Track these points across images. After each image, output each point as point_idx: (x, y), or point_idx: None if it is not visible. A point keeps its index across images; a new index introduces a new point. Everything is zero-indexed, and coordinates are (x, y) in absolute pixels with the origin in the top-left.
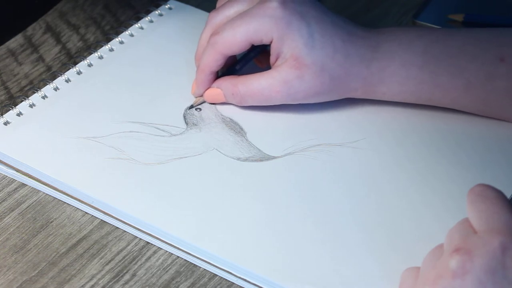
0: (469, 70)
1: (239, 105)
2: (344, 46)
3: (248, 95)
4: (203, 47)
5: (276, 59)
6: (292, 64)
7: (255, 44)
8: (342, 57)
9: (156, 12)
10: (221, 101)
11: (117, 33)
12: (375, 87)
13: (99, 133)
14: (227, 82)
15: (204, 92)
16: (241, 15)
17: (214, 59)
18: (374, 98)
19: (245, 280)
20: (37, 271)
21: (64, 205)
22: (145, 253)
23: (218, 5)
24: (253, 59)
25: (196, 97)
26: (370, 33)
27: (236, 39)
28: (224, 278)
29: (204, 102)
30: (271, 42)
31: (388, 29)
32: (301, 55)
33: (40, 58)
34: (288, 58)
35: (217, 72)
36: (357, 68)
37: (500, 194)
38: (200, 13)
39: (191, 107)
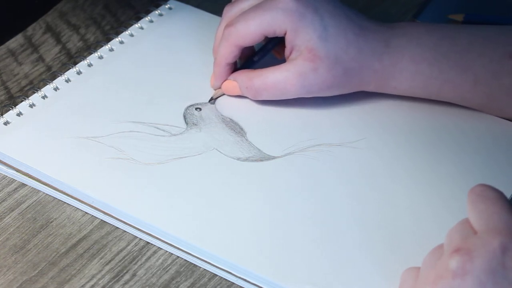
0: (477, 67)
1: (254, 99)
2: (357, 39)
3: (262, 88)
4: (219, 40)
5: (291, 52)
6: (307, 57)
7: (269, 36)
8: (355, 51)
9: (156, 12)
10: (237, 94)
11: (117, 33)
12: (386, 81)
13: (99, 133)
14: (243, 76)
15: (222, 84)
16: (255, 8)
17: (229, 51)
18: (385, 92)
19: (245, 280)
20: (37, 271)
21: (64, 205)
22: (145, 253)
23: None
24: (271, 50)
25: (214, 90)
26: (381, 27)
27: (249, 30)
28: (224, 278)
29: (223, 94)
30: (284, 34)
31: (399, 24)
32: (315, 47)
33: (40, 58)
34: (302, 50)
35: (235, 63)
36: (370, 62)
37: (500, 194)
38: (200, 13)
39: (211, 99)
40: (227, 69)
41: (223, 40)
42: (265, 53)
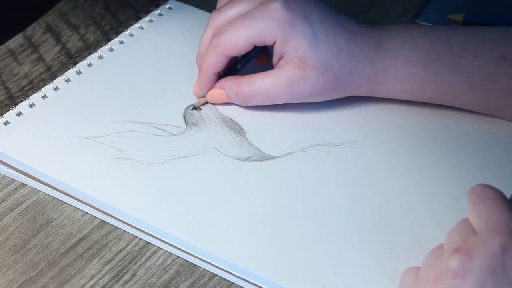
0: (472, 69)
1: (243, 105)
2: (348, 45)
3: (252, 95)
4: (205, 48)
5: (279, 60)
6: (297, 64)
7: (258, 45)
8: (346, 56)
9: (156, 12)
10: (224, 101)
11: (117, 33)
12: (379, 85)
13: (99, 133)
14: (230, 83)
15: (207, 93)
16: (244, 16)
17: (217, 60)
18: (378, 96)
19: (245, 280)
20: (37, 271)
21: (64, 205)
22: (145, 253)
23: (218, 5)
24: (253, 58)
25: (198, 98)
26: (372, 30)
27: (239, 40)
28: (224, 278)
29: (206, 102)
30: (274, 43)
31: (390, 26)
32: (306, 55)
33: (40, 58)
34: (292, 58)
35: (219, 72)
36: (362, 67)
37: (500, 194)
38: (200, 13)
39: (194, 108)
40: (213, 78)
41: (211, 49)
42: (247, 61)
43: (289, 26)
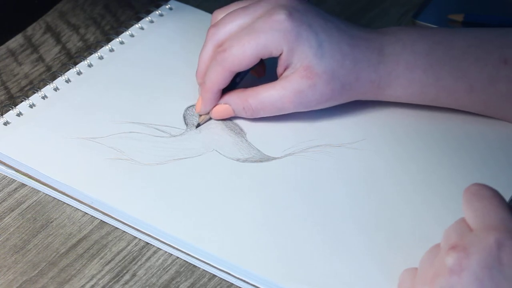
0: (472, 72)
1: (250, 117)
2: (351, 51)
3: (260, 108)
4: (205, 64)
5: (284, 70)
6: (303, 74)
7: (264, 58)
8: (351, 63)
9: (157, 12)
10: (229, 116)
11: (117, 33)
12: (382, 90)
13: (99, 134)
14: (236, 97)
15: (211, 110)
16: (248, 30)
17: (222, 77)
18: (381, 99)
19: (244, 280)
20: (37, 271)
21: (64, 205)
22: (145, 253)
23: (213, 20)
24: (250, 70)
25: (201, 115)
26: (372, 34)
27: (245, 55)
28: (224, 279)
29: (210, 119)
30: (280, 54)
31: (389, 29)
32: (312, 65)
33: (40, 58)
34: (298, 68)
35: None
36: (366, 72)
37: (495, 193)
38: (200, 13)
39: (198, 125)
40: (218, 95)
41: (216, 66)
42: (245, 73)
43: (294, 37)
